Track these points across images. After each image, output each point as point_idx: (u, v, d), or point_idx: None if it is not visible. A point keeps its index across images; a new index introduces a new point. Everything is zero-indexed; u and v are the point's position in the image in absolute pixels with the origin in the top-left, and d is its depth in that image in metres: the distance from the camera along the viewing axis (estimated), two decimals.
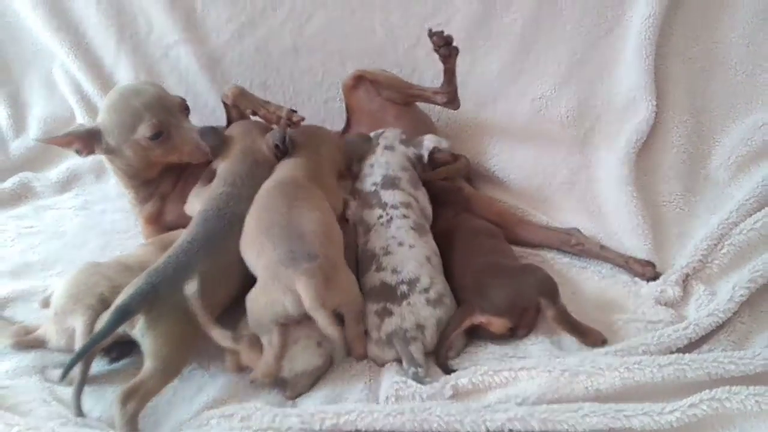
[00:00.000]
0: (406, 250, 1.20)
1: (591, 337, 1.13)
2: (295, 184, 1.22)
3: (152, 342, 1.01)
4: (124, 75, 1.73)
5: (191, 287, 1.04)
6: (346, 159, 1.39)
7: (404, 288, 1.15)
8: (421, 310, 1.13)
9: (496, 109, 1.65)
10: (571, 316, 1.14)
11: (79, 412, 1.03)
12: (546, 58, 1.62)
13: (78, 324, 1.10)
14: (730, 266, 1.25)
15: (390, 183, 1.32)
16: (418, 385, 1.03)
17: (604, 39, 1.59)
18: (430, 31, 1.39)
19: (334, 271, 1.07)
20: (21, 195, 1.67)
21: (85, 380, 1.05)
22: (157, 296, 1.04)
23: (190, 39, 1.71)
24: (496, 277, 1.18)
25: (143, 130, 1.25)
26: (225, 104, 1.46)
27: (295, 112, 1.37)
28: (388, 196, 1.29)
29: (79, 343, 1.08)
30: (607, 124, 1.56)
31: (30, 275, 1.38)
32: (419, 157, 1.41)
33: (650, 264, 1.32)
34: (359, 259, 1.25)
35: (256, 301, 1.07)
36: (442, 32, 1.39)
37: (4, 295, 1.29)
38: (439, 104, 1.52)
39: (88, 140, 1.29)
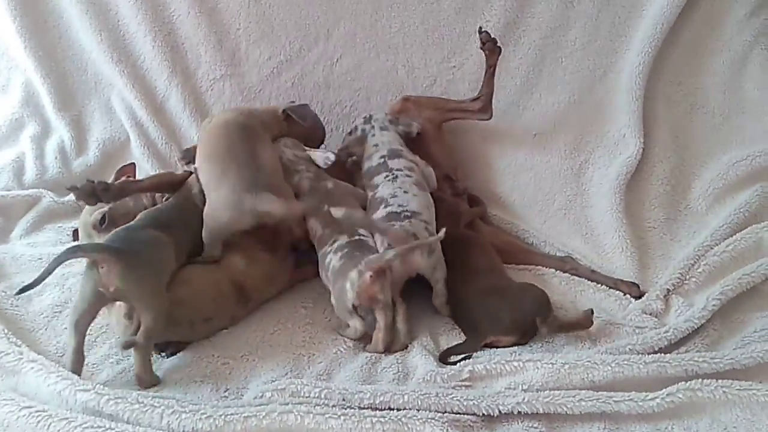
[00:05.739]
0: (410, 196, 1.42)
1: (581, 323, 1.30)
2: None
3: (139, 298, 1.19)
4: (175, 104, 1.90)
5: None
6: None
7: (408, 214, 1.37)
8: (419, 229, 1.35)
9: (503, 141, 1.82)
10: (561, 321, 1.31)
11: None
12: (547, 98, 1.81)
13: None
14: (705, 283, 1.43)
15: (395, 154, 1.53)
16: (439, 369, 1.19)
17: (598, 83, 1.79)
18: (480, 28, 1.61)
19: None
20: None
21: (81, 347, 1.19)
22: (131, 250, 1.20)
23: (234, 74, 1.89)
24: (499, 299, 1.32)
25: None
26: None
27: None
28: (395, 163, 1.51)
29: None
30: (599, 158, 1.74)
31: None
32: (407, 134, 1.61)
33: (635, 285, 1.49)
34: (368, 207, 1.46)
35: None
36: (487, 32, 1.61)
37: None
38: (474, 112, 1.70)
39: None
